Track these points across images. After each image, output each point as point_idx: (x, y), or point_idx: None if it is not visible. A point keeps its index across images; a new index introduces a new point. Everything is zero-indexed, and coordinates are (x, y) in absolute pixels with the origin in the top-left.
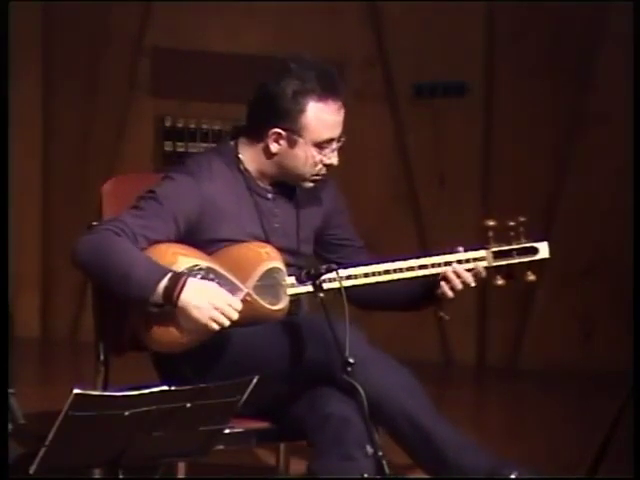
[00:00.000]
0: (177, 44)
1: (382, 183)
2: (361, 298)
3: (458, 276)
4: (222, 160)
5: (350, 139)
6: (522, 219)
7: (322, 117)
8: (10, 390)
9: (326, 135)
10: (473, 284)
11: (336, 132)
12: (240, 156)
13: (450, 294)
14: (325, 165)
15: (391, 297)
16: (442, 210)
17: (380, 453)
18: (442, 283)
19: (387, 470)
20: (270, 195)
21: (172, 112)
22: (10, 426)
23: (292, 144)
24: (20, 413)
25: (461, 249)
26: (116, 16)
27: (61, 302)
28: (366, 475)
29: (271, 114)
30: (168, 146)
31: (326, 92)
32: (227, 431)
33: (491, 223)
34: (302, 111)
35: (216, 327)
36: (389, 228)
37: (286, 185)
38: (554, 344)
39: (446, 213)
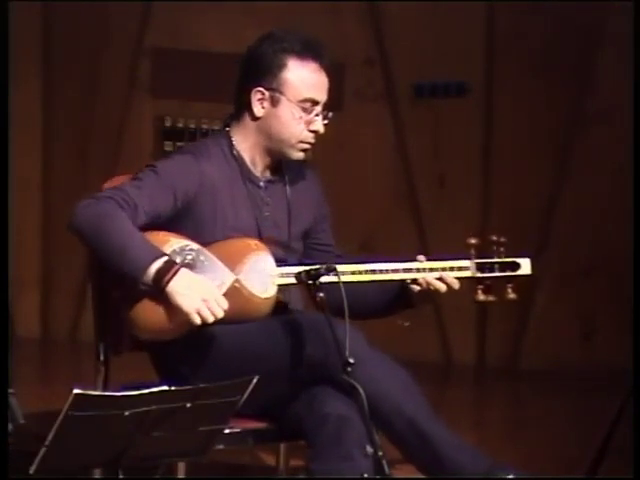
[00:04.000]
0: (177, 44)
1: (382, 183)
2: (335, 308)
3: (428, 283)
4: (218, 145)
5: (350, 139)
6: (503, 239)
7: (302, 74)
8: (10, 390)
9: (307, 93)
10: (443, 288)
11: (318, 94)
12: (233, 139)
13: (416, 288)
14: (311, 131)
15: (363, 303)
16: (442, 210)
17: (380, 453)
18: (413, 287)
19: (387, 470)
20: (262, 183)
21: (172, 112)
22: (10, 426)
23: (275, 103)
24: (20, 413)
25: (422, 257)
26: (116, 16)
27: (61, 302)
28: (365, 475)
29: (253, 74)
30: (168, 146)
31: (306, 51)
32: (227, 431)
33: (473, 241)
34: (282, 66)
35: (198, 320)
36: (389, 228)
37: (279, 177)
38: (554, 344)
39: (446, 213)
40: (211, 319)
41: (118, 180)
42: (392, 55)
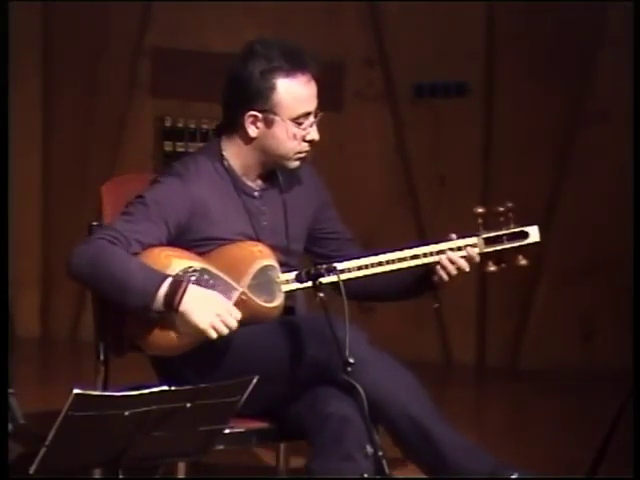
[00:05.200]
0: (177, 44)
1: (382, 183)
2: (356, 290)
3: (452, 263)
4: (208, 160)
5: (350, 139)
6: (510, 205)
7: (293, 91)
8: (10, 390)
9: (301, 109)
10: (467, 269)
11: (311, 105)
12: (224, 153)
13: (446, 278)
14: (307, 141)
15: (386, 287)
16: (442, 210)
17: (380, 453)
18: (438, 268)
19: (387, 470)
20: (257, 193)
21: (172, 112)
22: (10, 426)
23: (269, 124)
24: (20, 413)
25: (454, 236)
26: (116, 16)
27: (61, 302)
28: (366, 475)
29: (243, 98)
30: (168, 146)
31: (293, 67)
32: (227, 431)
33: (480, 210)
34: (272, 89)
35: (214, 335)
36: (389, 228)
37: (273, 183)
38: (554, 344)
39: (446, 213)
40: (226, 331)
41: (118, 180)
42: (392, 55)
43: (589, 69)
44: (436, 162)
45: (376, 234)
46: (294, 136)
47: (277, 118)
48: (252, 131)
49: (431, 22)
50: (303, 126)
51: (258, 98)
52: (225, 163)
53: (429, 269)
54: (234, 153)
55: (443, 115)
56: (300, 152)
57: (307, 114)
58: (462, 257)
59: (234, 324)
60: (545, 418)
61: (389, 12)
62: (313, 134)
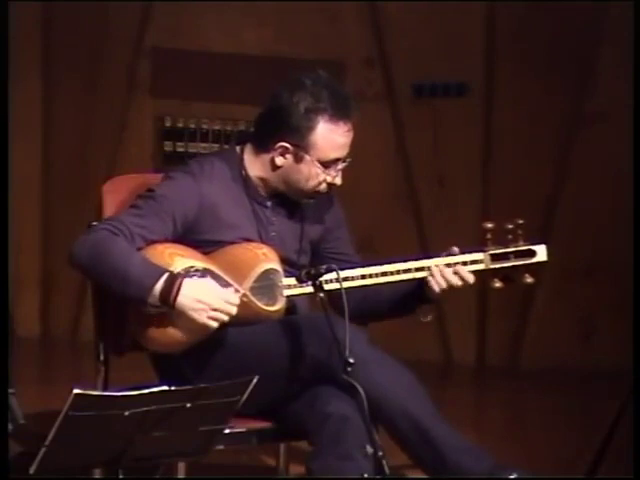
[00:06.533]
0: (177, 44)
1: (382, 183)
2: (352, 310)
3: (442, 275)
4: (225, 164)
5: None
6: (520, 222)
7: (331, 137)
8: (10, 390)
9: (333, 155)
10: (459, 283)
11: (343, 153)
12: (244, 162)
13: (436, 289)
14: (328, 184)
15: (379, 302)
16: (442, 210)
17: (380, 453)
18: (429, 278)
19: (387, 470)
20: (269, 203)
21: (172, 112)
22: (10, 426)
23: (298, 160)
24: (20, 413)
25: (455, 249)
26: (116, 16)
27: (61, 302)
28: (365, 475)
29: (280, 127)
30: (168, 146)
31: (337, 113)
32: (227, 431)
33: (489, 225)
34: (312, 129)
35: (215, 325)
36: (389, 228)
37: (286, 196)
38: (554, 344)
39: (446, 213)
40: (226, 319)
41: (118, 180)
42: (392, 55)
43: (589, 69)
44: (436, 162)
45: (376, 234)
46: (317, 177)
47: (307, 157)
48: (279, 160)
49: (431, 22)
50: (329, 170)
51: (295, 132)
52: (243, 171)
53: (421, 282)
54: (255, 167)
55: (443, 115)
56: (318, 192)
57: (336, 160)
58: (455, 273)
59: (232, 310)
60: (545, 418)
61: (389, 12)
62: (336, 179)
